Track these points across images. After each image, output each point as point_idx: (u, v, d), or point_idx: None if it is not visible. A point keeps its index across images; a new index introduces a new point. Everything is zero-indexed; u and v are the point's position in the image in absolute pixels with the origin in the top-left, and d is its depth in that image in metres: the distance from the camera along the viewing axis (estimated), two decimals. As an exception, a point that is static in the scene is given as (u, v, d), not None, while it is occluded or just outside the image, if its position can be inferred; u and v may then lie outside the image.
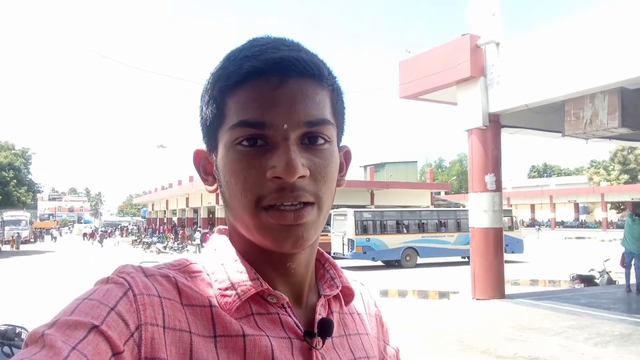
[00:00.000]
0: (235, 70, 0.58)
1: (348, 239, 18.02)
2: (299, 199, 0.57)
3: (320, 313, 0.64)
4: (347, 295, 0.70)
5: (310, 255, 0.65)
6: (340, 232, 18.40)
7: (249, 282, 0.59)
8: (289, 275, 0.63)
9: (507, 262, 18.55)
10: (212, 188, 0.65)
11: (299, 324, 0.61)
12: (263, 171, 0.56)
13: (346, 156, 0.69)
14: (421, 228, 19.18)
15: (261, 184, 0.57)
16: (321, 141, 0.59)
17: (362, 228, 18.30)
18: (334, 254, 18.36)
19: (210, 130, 0.62)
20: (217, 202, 31.39)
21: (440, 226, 19.41)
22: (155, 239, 35.78)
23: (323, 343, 0.61)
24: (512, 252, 19.46)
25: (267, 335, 0.57)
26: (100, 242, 37.51)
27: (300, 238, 0.57)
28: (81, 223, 76.72)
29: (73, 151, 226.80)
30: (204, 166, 0.66)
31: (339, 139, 0.65)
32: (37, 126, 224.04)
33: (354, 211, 18.43)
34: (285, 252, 0.59)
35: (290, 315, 0.61)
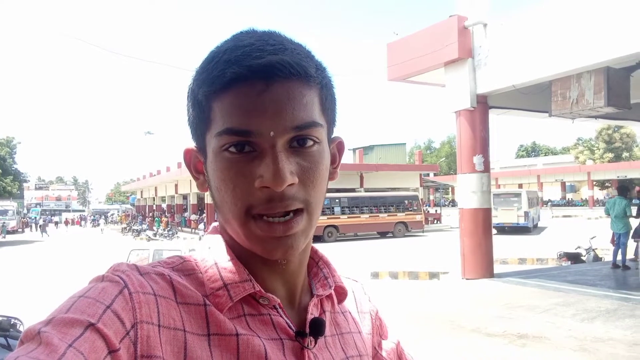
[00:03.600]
0: (219, 75, 0.56)
1: (524, 211, 24.54)
2: (289, 207, 0.56)
3: (313, 313, 0.64)
4: (339, 294, 0.70)
5: (304, 255, 0.65)
6: (511, 208, 24.70)
7: (241, 284, 0.59)
8: (281, 274, 0.63)
9: (541, 227, 27.02)
10: (204, 189, 0.64)
11: (290, 325, 0.61)
12: (252, 179, 0.56)
13: (339, 147, 0.68)
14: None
15: (250, 193, 0.56)
16: (310, 143, 0.58)
17: (529, 203, 25.24)
18: (497, 224, 23.72)
19: (198, 133, 0.61)
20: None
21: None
22: (145, 226, 35.59)
23: (315, 342, 0.62)
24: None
25: (259, 337, 0.58)
26: (44, 231, 36.70)
27: (290, 248, 0.58)
28: (69, 211, 76.08)
29: (60, 139, 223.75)
30: (195, 165, 0.65)
31: (330, 133, 0.64)
32: (22, 115, 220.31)
33: (525, 191, 26.10)
34: (275, 259, 0.60)
35: (281, 316, 0.61)
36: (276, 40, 0.58)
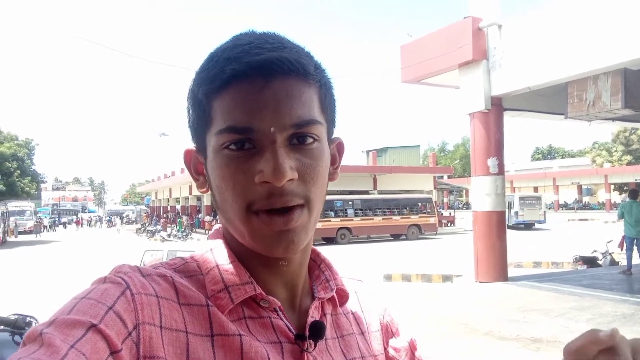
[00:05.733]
0: (218, 73, 0.56)
1: (544, 211, 30.85)
2: (288, 203, 0.56)
3: (313, 316, 0.64)
4: (341, 296, 0.70)
5: (304, 255, 0.65)
6: (534, 208, 30.21)
7: (242, 286, 0.59)
8: (282, 275, 0.63)
9: (539, 229, 29.97)
10: (203, 189, 0.65)
11: (290, 327, 0.61)
12: (251, 175, 0.56)
13: (339, 148, 0.68)
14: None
15: (250, 188, 0.56)
16: (310, 140, 0.58)
17: (546, 206, 32.60)
18: (523, 221, 29.65)
19: (199, 133, 0.61)
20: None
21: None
22: (159, 227, 35.89)
23: (315, 346, 0.61)
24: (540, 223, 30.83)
25: (259, 340, 0.58)
26: (37, 233, 37.73)
27: (291, 243, 0.57)
28: (85, 212, 77.09)
29: (77, 141, 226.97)
30: (195, 166, 0.65)
31: (330, 133, 0.64)
32: (40, 117, 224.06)
33: (542, 195, 33.10)
34: (277, 257, 0.59)
35: (282, 319, 0.61)
36: (275, 39, 0.59)
